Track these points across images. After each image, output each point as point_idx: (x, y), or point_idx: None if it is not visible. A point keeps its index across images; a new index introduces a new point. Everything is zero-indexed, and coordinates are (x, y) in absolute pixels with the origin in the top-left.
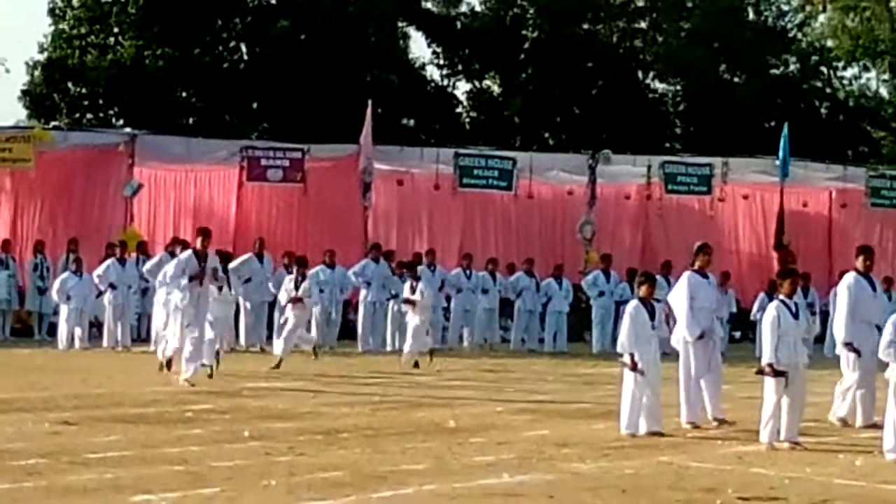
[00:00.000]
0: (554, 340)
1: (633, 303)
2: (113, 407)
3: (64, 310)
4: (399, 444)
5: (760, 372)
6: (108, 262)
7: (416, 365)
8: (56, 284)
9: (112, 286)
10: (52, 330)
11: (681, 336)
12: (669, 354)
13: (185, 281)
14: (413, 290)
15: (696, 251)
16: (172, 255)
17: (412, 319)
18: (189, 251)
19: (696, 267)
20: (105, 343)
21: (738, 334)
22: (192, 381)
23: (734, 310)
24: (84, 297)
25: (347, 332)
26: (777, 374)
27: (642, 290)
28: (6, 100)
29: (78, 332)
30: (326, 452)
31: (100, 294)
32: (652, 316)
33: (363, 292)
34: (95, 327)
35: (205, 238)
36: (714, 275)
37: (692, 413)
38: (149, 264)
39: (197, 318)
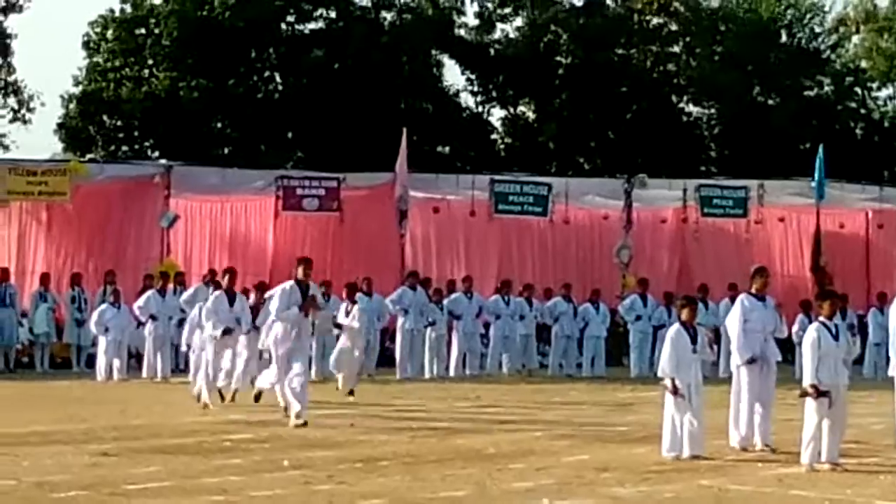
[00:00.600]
0: (592, 365)
1: (675, 327)
2: (152, 438)
3: (102, 341)
4: (439, 470)
5: (805, 394)
6: (149, 293)
7: (351, 393)
8: (94, 316)
9: (153, 317)
10: (91, 362)
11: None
12: (708, 378)
13: (294, 311)
14: (347, 314)
15: (753, 274)
16: (208, 285)
17: (341, 342)
18: (291, 282)
19: (752, 290)
20: (144, 374)
21: None
22: (303, 419)
23: None
24: (122, 329)
25: (385, 359)
26: (820, 394)
27: (684, 314)
28: (42, 133)
29: (116, 363)
30: (366, 480)
31: (140, 325)
32: (694, 339)
33: (401, 320)
34: (134, 358)
35: (306, 267)
36: None
37: (741, 436)
38: (185, 295)
39: (300, 351)
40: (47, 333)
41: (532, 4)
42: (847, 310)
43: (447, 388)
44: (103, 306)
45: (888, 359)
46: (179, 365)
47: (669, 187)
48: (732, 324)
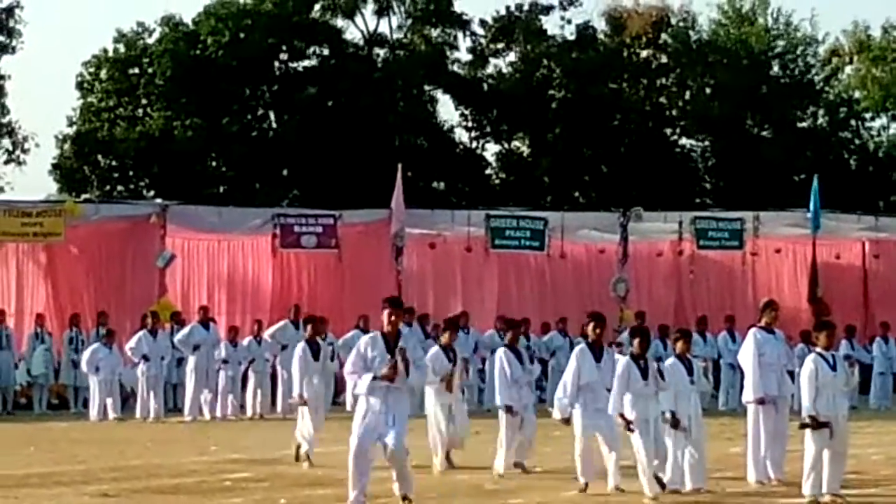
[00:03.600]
0: None
1: (671, 360)
2: (151, 478)
3: (94, 381)
4: None
5: (805, 426)
6: (140, 333)
7: None
8: (85, 356)
9: (145, 357)
10: (89, 403)
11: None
12: (708, 410)
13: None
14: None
15: (763, 308)
16: (205, 325)
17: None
18: (583, 345)
19: (762, 323)
20: (137, 414)
21: None
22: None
23: None
24: (112, 369)
25: None
26: (820, 425)
27: (678, 346)
28: (37, 174)
29: (109, 402)
30: None
31: (134, 365)
32: (690, 371)
33: None
34: (132, 398)
35: (599, 324)
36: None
37: (759, 471)
38: (180, 334)
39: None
40: (45, 374)
41: (524, 39)
42: (852, 340)
43: None
44: (94, 346)
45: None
46: (178, 404)
47: (665, 220)
48: (746, 358)
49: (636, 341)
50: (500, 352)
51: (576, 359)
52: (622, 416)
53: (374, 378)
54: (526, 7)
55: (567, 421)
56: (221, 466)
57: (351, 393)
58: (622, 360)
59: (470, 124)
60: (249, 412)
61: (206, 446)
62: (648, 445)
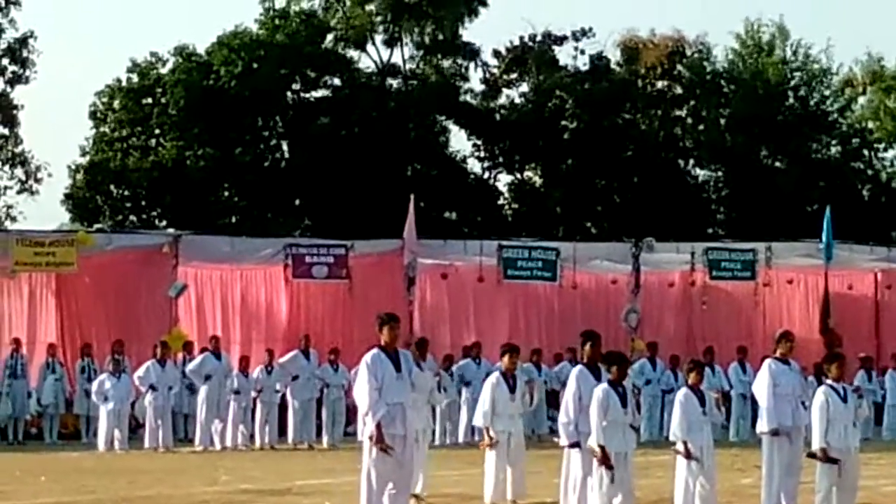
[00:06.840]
0: None
1: (683, 390)
2: None
3: (102, 411)
4: None
5: (812, 456)
6: (148, 363)
7: None
8: (94, 386)
9: (152, 387)
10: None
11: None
12: (719, 440)
13: None
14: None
15: (778, 338)
16: (216, 355)
17: None
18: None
19: (777, 354)
20: (146, 444)
21: None
22: None
23: None
24: (121, 399)
25: None
26: (829, 459)
27: (691, 378)
28: (49, 204)
29: (117, 433)
30: None
31: (143, 395)
32: (702, 402)
33: None
34: (142, 427)
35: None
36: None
37: (771, 502)
38: (192, 364)
39: None
40: (55, 404)
41: (537, 70)
42: (872, 370)
43: (457, 454)
44: (103, 376)
45: None
46: (189, 434)
47: (677, 251)
48: (761, 389)
49: (614, 368)
50: None
51: (576, 380)
52: (603, 450)
53: None
54: (539, 37)
55: (575, 445)
56: (232, 497)
57: None
58: (600, 387)
59: (482, 155)
60: (258, 443)
61: (217, 476)
62: (617, 488)
